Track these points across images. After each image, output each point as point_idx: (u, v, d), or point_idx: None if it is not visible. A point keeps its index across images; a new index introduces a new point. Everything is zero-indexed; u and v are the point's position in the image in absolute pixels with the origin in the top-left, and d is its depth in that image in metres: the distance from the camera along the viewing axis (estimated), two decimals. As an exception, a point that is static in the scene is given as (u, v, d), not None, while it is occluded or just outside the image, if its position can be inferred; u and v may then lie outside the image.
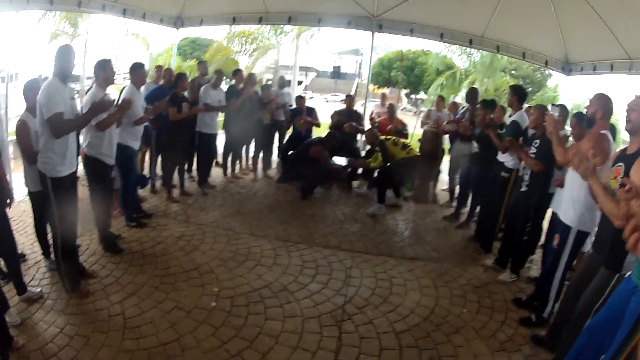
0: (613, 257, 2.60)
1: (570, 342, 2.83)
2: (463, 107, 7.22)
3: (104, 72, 3.96)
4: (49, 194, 3.36)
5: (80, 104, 4.20)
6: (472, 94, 7.04)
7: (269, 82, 10.22)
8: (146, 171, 6.48)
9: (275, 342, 3.14)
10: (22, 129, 3.59)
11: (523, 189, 4.22)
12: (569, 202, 3.33)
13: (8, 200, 3.37)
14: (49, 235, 3.85)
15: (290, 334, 3.26)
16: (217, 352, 3.00)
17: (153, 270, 4.06)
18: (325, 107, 8.34)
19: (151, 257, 4.32)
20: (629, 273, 2.37)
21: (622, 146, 2.91)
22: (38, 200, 3.74)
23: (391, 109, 7.68)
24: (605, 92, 3.24)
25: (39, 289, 3.56)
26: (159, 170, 6.57)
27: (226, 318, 3.38)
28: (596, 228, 3.07)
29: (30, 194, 3.83)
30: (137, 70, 4.84)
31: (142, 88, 5.21)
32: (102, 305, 3.44)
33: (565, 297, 3.18)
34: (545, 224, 4.52)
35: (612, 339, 2.24)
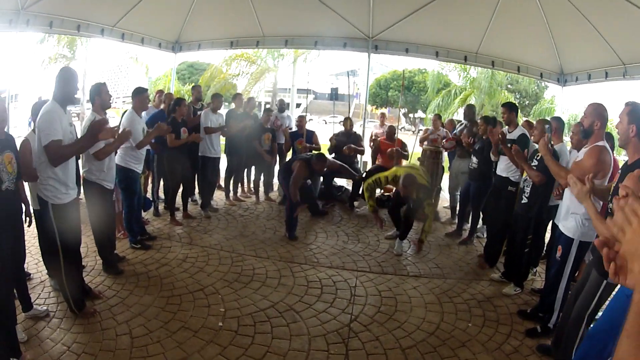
0: (602, 263, 2.64)
1: (568, 347, 2.87)
2: (461, 124, 7.32)
3: (100, 96, 3.98)
4: (50, 220, 3.33)
5: (80, 127, 4.26)
6: (469, 110, 7.16)
7: (268, 106, 10.33)
8: (149, 194, 6.52)
9: (282, 361, 3.15)
10: (24, 147, 3.54)
11: (523, 200, 4.30)
12: (569, 214, 3.39)
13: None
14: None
15: (298, 352, 3.26)
16: (225, 371, 3.00)
17: (158, 291, 4.07)
18: (324, 129, 8.44)
19: (156, 279, 4.33)
20: None
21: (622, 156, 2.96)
22: (37, 221, 3.65)
23: (391, 131, 7.75)
24: (599, 102, 3.31)
25: (44, 307, 3.56)
26: (161, 193, 6.64)
27: (233, 337, 3.39)
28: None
29: (34, 212, 3.72)
30: (139, 95, 4.89)
31: (144, 113, 5.27)
32: (109, 325, 3.43)
33: (567, 306, 3.21)
34: (547, 235, 4.58)
35: (614, 344, 2.27)
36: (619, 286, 2.50)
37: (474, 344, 3.50)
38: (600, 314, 2.83)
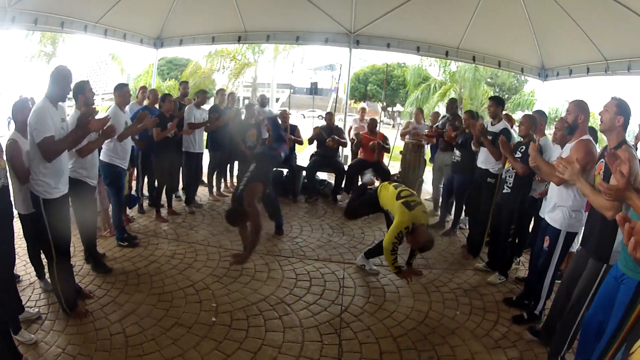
0: (601, 249, 2.80)
1: (564, 335, 3.01)
2: (443, 117, 7.45)
3: (83, 94, 3.94)
4: (42, 215, 3.33)
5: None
6: (452, 104, 7.29)
7: (254, 102, 10.30)
8: (134, 191, 6.48)
9: (278, 352, 3.21)
10: (14, 148, 3.47)
11: (506, 190, 4.44)
12: (556, 207, 3.54)
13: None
14: (42, 256, 3.82)
15: (292, 343, 3.33)
16: (221, 365, 3.04)
17: (149, 289, 4.07)
18: (303, 123, 8.47)
19: (146, 277, 4.32)
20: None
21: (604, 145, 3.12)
22: (29, 224, 3.66)
23: (373, 124, 7.82)
24: (580, 98, 3.49)
25: (36, 310, 3.53)
26: (145, 191, 6.60)
27: (227, 332, 3.43)
28: (583, 227, 3.28)
29: (20, 216, 3.72)
30: (121, 90, 4.87)
31: (127, 108, 5.23)
32: (102, 325, 3.42)
33: (558, 294, 3.35)
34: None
35: (607, 324, 2.40)
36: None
37: (462, 331, 3.63)
38: None
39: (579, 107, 3.40)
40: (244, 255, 4.28)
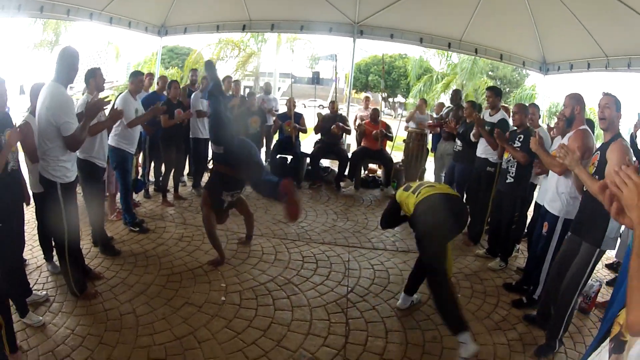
0: (594, 233, 2.88)
1: (560, 319, 3.10)
2: (447, 107, 7.51)
3: (94, 79, 3.98)
4: (59, 200, 3.33)
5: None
6: (456, 95, 7.35)
7: (249, 90, 10.31)
8: (140, 175, 6.54)
9: (287, 330, 3.30)
10: (26, 130, 3.45)
11: (509, 180, 4.50)
12: (555, 194, 3.62)
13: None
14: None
15: (301, 322, 3.42)
16: (233, 342, 3.12)
17: (158, 270, 4.15)
18: (305, 113, 8.53)
19: (154, 258, 4.40)
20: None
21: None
22: (41, 203, 3.65)
23: (375, 113, 7.88)
24: (575, 92, 3.61)
25: (44, 292, 3.54)
26: (151, 176, 6.67)
27: (237, 311, 3.52)
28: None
29: (34, 195, 3.69)
30: (135, 78, 4.96)
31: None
32: (112, 305, 3.47)
33: (550, 278, 3.44)
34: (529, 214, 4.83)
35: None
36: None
37: (464, 313, 3.69)
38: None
39: (575, 100, 3.53)
40: (218, 260, 4.38)
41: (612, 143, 2.85)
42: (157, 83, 6.60)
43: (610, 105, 2.94)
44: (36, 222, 4.03)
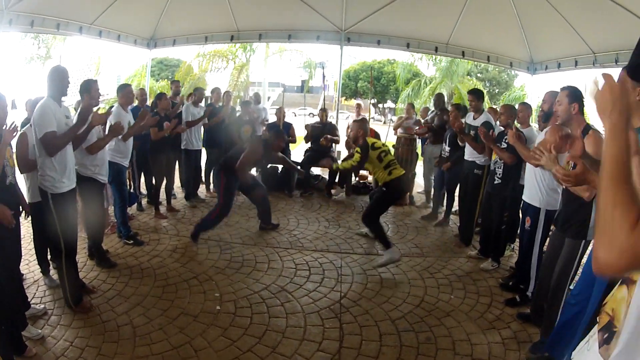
0: (577, 228, 2.97)
1: (553, 315, 3.17)
2: (431, 112, 7.62)
3: (89, 93, 3.99)
4: (51, 210, 3.42)
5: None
6: (439, 99, 7.46)
7: (249, 99, 10.38)
8: (132, 190, 6.58)
9: (282, 337, 3.35)
10: (21, 140, 3.62)
11: (497, 181, 4.60)
12: (535, 186, 3.74)
13: (20, 208, 3.45)
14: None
15: (295, 328, 3.48)
16: (229, 350, 3.16)
17: (153, 282, 4.18)
18: (295, 121, 8.57)
19: (149, 270, 4.44)
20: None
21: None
22: (37, 212, 3.71)
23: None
24: (553, 89, 3.68)
25: (42, 306, 3.59)
26: (142, 189, 6.71)
27: (232, 319, 3.57)
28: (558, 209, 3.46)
29: (33, 204, 3.76)
30: (124, 90, 5.00)
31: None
32: (109, 317, 3.51)
33: (542, 275, 3.52)
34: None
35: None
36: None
37: (457, 313, 3.80)
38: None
39: (552, 98, 3.60)
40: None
41: (585, 138, 2.75)
42: (137, 97, 6.58)
43: (561, 100, 2.95)
44: (32, 236, 4.08)
